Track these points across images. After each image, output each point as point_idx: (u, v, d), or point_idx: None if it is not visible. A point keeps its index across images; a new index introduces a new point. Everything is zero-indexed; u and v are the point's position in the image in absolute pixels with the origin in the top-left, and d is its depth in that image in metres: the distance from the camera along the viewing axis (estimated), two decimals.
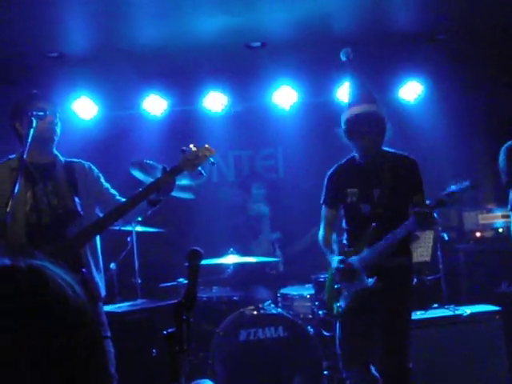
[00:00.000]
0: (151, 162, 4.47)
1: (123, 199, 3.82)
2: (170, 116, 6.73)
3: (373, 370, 3.85)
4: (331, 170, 4.03)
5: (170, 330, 2.03)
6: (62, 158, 3.76)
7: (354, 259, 3.81)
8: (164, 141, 6.55)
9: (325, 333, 4.86)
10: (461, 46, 6.20)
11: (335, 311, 3.89)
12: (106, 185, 3.88)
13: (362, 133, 3.78)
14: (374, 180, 3.88)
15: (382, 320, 3.77)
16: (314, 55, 6.09)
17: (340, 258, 3.84)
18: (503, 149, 4.40)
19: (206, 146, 3.63)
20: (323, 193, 4.04)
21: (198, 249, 2.03)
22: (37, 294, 0.95)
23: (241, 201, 6.61)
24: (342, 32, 5.81)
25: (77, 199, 3.64)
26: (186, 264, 2.06)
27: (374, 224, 3.76)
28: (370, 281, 3.73)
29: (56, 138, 3.68)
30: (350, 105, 3.89)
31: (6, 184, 3.52)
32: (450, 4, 5.31)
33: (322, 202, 4.06)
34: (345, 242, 4.02)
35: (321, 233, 4.04)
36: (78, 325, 0.99)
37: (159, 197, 3.66)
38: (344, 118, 3.86)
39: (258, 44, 5.85)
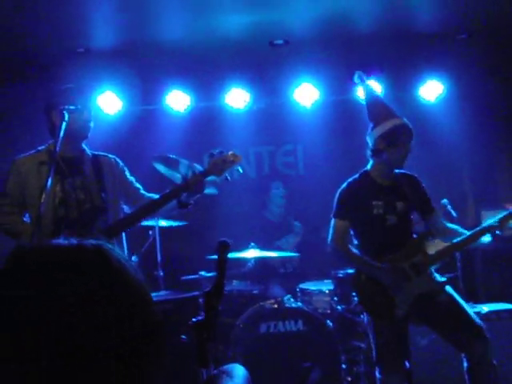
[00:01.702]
0: (174, 156, 4.55)
1: (147, 193, 3.93)
2: (192, 112, 6.81)
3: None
4: (347, 185, 4.03)
5: (198, 318, 2.10)
6: (89, 152, 3.82)
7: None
8: (186, 136, 6.66)
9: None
10: (483, 45, 6.22)
11: (395, 315, 3.84)
12: (131, 178, 3.96)
13: (404, 142, 3.91)
14: (396, 194, 4.01)
15: (448, 308, 3.88)
16: (335, 53, 6.16)
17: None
18: None
19: (233, 152, 3.78)
20: (338, 207, 4.00)
21: (227, 240, 2.10)
22: (101, 272, 0.97)
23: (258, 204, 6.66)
24: (363, 30, 5.88)
25: (103, 195, 3.71)
26: (215, 255, 2.13)
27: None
28: (442, 279, 3.93)
29: (89, 135, 3.75)
30: (383, 119, 3.94)
31: (33, 176, 3.60)
32: (471, 4, 5.34)
33: (335, 215, 4.01)
34: (364, 252, 3.98)
35: (341, 243, 3.98)
36: (140, 307, 0.99)
37: (189, 199, 3.77)
38: (382, 130, 3.92)
39: (281, 42, 5.92)
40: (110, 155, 3.95)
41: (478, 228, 4.00)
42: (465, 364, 3.84)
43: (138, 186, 3.98)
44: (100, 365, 0.92)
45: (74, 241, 1.00)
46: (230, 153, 3.78)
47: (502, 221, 3.95)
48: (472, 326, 3.81)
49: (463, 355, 3.84)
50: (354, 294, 4.68)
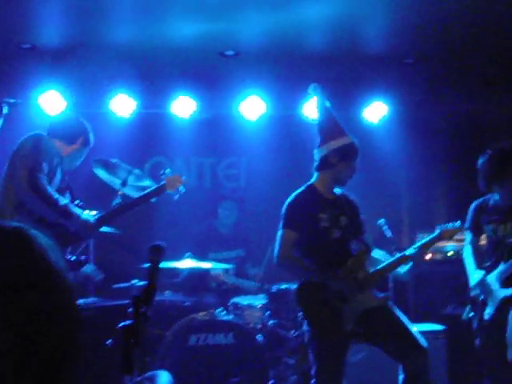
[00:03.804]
0: (115, 160, 4.48)
1: None
2: (137, 117, 6.68)
3: None
4: (294, 197, 4.07)
5: (126, 323, 2.04)
6: None
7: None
8: (129, 142, 6.53)
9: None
10: (428, 71, 6.35)
11: (342, 329, 3.86)
12: None
13: (353, 161, 4.07)
14: (339, 208, 4.07)
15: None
16: (285, 68, 6.18)
17: None
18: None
19: (180, 176, 4.61)
20: (286, 217, 4.01)
21: (161, 243, 2.05)
22: (20, 254, 0.91)
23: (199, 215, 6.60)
24: (314, 47, 5.90)
25: None
26: (148, 258, 2.07)
27: None
28: (384, 295, 4.07)
29: None
30: (338, 134, 4.07)
31: None
32: (420, 32, 5.46)
33: (284, 226, 4.00)
34: (310, 265, 3.98)
35: (289, 254, 3.98)
36: (61, 297, 0.93)
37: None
38: (336, 144, 4.04)
39: (232, 52, 5.89)
40: None
41: (394, 257, 4.09)
42: (401, 376, 3.87)
43: None
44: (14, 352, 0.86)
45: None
46: (179, 176, 4.60)
47: (421, 248, 4.09)
48: (413, 338, 3.88)
49: (401, 367, 3.88)
50: (293, 309, 4.62)
